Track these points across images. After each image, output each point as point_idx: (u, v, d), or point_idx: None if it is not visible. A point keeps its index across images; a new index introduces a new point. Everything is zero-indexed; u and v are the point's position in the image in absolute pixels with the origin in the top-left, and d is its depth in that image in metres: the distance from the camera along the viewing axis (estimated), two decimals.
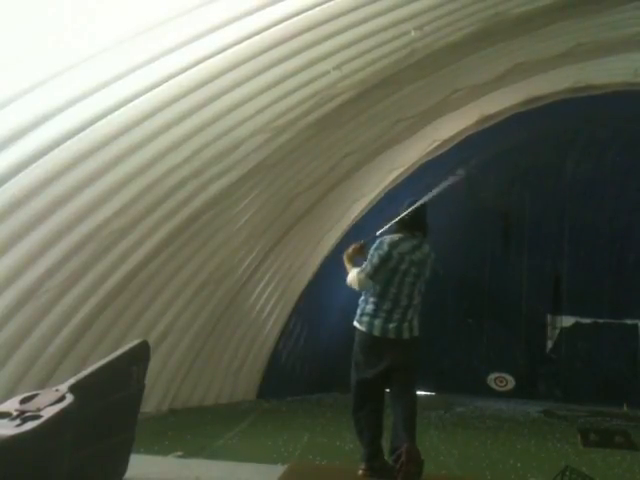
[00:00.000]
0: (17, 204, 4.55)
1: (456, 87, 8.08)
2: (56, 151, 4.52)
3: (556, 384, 12.28)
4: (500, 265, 12.68)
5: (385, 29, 5.63)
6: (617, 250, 12.15)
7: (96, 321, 5.92)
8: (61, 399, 2.94)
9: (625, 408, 10.77)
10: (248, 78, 5.35)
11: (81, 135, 4.61)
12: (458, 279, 12.11)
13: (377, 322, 3.88)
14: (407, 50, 6.10)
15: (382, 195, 10.65)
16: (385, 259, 3.90)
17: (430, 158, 10.68)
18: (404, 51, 6.10)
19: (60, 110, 4.36)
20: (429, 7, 5.62)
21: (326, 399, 10.50)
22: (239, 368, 9.18)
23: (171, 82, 4.83)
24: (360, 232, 4.11)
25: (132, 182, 5.38)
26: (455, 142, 10.72)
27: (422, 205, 4.06)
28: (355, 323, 4.01)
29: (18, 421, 2.75)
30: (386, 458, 3.87)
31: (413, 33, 5.72)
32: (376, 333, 3.87)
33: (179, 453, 5.08)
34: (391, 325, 3.86)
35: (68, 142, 4.56)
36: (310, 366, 11.52)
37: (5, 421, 2.75)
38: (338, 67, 5.77)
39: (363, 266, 3.98)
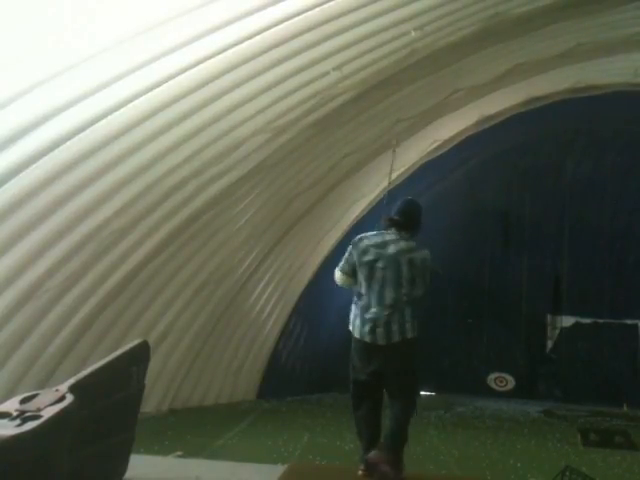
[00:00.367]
0: (17, 204, 4.56)
1: (456, 87, 8.08)
2: (56, 151, 4.53)
3: (556, 384, 12.29)
4: (500, 265, 12.69)
5: (385, 29, 5.63)
6: (617, 250, 12.16)
7: (96, 321, 5.93)
8: (61, 399, 2.94)
9: (625, 408, 10.78)
10: (248, 78, 5.35)
11: (81, 135, 4.61)
12: (458, 279, 12.11)
13: (357, 323, 3.71)
14: (407, 50, 6.10)
15: (382, 195, 10.66)
16: (352, 252, 3.77)
17: (430, 158, 10.69)
18: (404, 51, 6.10)
19: (60, 110, 4.36)
20: (429, 7, 5.62)
21: (326, 399, 10.50)
22: (239, 368, 9.18)
23: (171, 82, 4.83)
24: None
25: (132, 182, 5.38)
26: (455, 142, 10.73)
27: (413, 204, 3.95)
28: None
29: (18, 421, 2.75)
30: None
31: (413, 33, 5.73)
32: (356, 335, 3.71)
33: (179, 453, 5.08)
34: (366, 328, 3.64)
35: (68, 142, 4.56)
36: (310, 366, 11.53)
37: (5, 421, 2.75)
38: (338, 67, 5.78)
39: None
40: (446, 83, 7.83)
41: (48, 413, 2.81)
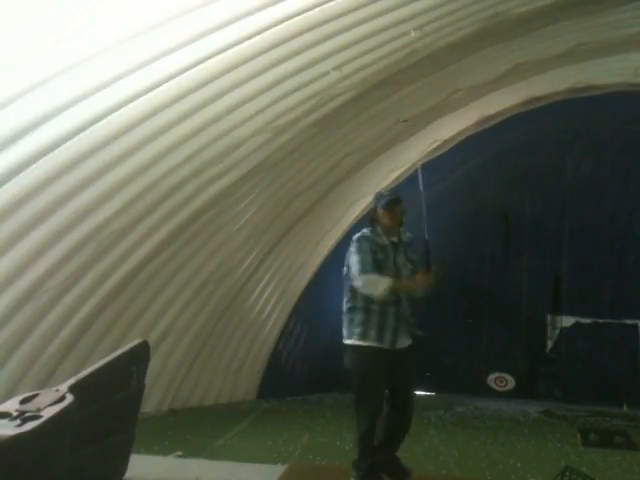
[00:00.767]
0: (17, 204, 4.56)
1: (456, 87, 8.08)
2: (56, 151, 4.53)
3: (556, 384, 12.28)
4: (500, 265, 12.67)
5: (385, 29, 5.63)
6: (617, 250, 12.14)
7: (96, 321, 5.93)
8: (61, 399, 2.94)
9: (625, 408, 10.77)
10: (248, 78, 5.35)
11: (81, 135, 4.61)
12: (458, 279, 12.10)
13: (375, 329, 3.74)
14: (407, 50, 6.09)
15: None
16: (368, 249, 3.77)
17: (430, 158, 10.68)
18: (404, 51, 6.10)
19: (60, 110, 4.36)
20: (429, 7, 5.62)
21: (326, 399, 10.49)
22: (239, 368, 9.18)
23: (171, 82, 4.83)
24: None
25: (132, 182, 5.38)
26: (455, 142, 10.72)
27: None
28: None
29: (18, 421, 2.75)
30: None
31: (413, 33, 5.72)
32: (373, 343, 3.69)
33: (179, 453, 5.08)
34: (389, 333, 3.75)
35: (68, 142, 4.56)
36: (310, 366, 11.52)
37: (5, 421, 2.75)
38: (338, 67, 5.77)
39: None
40: (446, 83, 7.82)
41: (48, 413, 2.82)
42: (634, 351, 11.90)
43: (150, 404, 7.09)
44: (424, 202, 3.95)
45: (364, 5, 5.17)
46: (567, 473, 4.25)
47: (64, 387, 3.05)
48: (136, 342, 3.59)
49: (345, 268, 3.76)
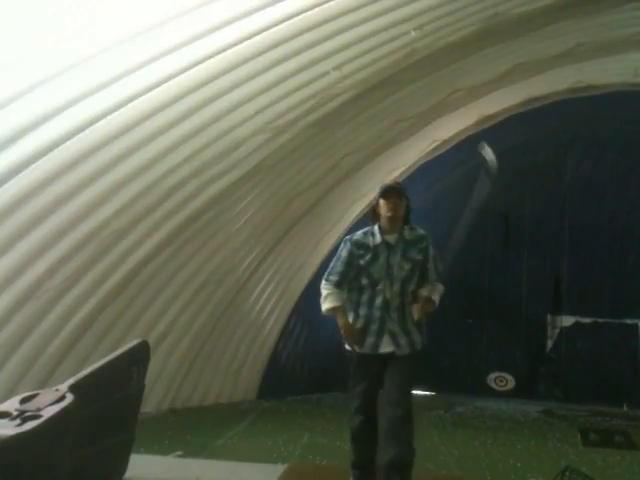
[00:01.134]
0: (17, 204, 4.56)
1: (456, 87, 8.08)
2: (56, 151, 4.53)
3: (556, 384, 12.29)
4: (500, 265, 12.68)
5: (385, 29, 5.63)
6: (617, 250, 12.16)
7: (96, 321, 5.93)
8: (61, 399, 2.94)
9: (625, 408, 10.78)
10: (248, 78, 5.36)
11: (81, 135, 4.61)
12: (458, 279, 12.10)
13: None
14: (407, 50, 6.10)
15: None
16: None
17: (430, 158, 10.69)
18: (404, 51, 6.10)
19: (60, 110, 4.37)
20: (429, 7, 5.62)
21: (326, 399, 10.50)
22: (239, 368, 9.18)
23: (171, 82, 4.84)
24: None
25: (132, 182, 5.39)
26: (455, 142, 10.73)
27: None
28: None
29: (18, 421, 2.75)
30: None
31: (413, 33, 5.73)
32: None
33: (179, 453, 5.08)
34: None
35: (68, 142, 4.57)
36: (310, 366, 11.52)
37: (5, 421, 2.75)
38: (338, 67, 5.78)
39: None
40: (446, 83, 7.83)
41: (48, 413, 2.82)
42: (634, 351, 11.91)
43: (150, 404, 7.09)
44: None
45: (364, 5, 5.18)
46: (567, 473, 4.25)
47: (64, 387, 3.05)
48: (136, 342, 3.59)
49: None
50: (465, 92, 8.33)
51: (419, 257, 3.57)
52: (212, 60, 4.89)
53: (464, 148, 10.94)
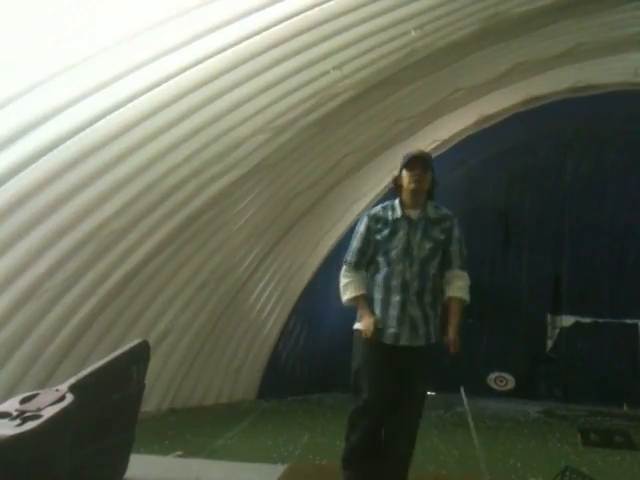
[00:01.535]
0: (17, 204, 4.56)
1: (456, 87, 8.08)
2: (56, 151, 4.53)
3: (556, 384, 12.27)
4: (500, 265, 12.67)
5: (385, 29, 5.63)
6: (617, 250, 12.14)
7: (96, 321, 5.93)
8: (61, 399, 2.94)
9: (625, 408, 10.76)
10: (248, 78, 5.36)
11: (81, 135, 4.61)
12: None
13: None
14: (407, 50, 6.10)
15: (382, 195, 10.65)
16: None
17: None
18: (404, 51, 6.10)
19: (60, 110, 4.37)
20: (429, 7, 5.62)
21: (326, 399, 10.49)
22: (239, 368, 9.18)
23: (171, 82, 4.84)
24: None
25: (132, 182, 5.39)
26: (455, 142, 10.72)
27: None
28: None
29: (18, 421, 2.75)
30: None
31: (413, 33, 5.72)
32: None
33: (179, 453, 5.08)
34: None
35: (68, 142, 4.57)
36: (310, 366, 11.51)
37: (5, 421, 2.75)
38: (338, 67, 5.78)
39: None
40: (446, 83, 7.83)
41: (48, 413, 2.81)
42: (634, 351, 11.90)
43: (150, 404, 7.09)
44: None
45: (364, 5, 5.18)
46: (567, 473, 4.24)
47: (64, 387, 3.05)
48: (136, 342, 3.59)
49: None
50: (465, 92, 8.33)
51: (442, 237, 3.33)
52: (212, 60, 4.89)
53: (464, 148, 10.93)
